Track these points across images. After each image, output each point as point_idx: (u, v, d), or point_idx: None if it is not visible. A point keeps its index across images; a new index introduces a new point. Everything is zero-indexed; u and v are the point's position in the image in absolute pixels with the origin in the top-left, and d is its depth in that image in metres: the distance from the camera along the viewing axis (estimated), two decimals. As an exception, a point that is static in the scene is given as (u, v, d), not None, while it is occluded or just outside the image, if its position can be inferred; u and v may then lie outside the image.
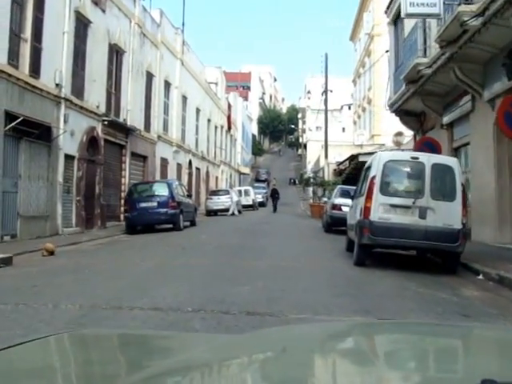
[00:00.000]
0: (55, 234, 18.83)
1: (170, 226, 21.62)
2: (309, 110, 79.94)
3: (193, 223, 24.21)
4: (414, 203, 10.66)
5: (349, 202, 20.53)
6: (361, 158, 30.34)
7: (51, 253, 13.83)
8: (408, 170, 11.12)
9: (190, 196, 25.07)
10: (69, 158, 20.15)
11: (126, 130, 25.39)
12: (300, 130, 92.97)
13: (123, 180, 25.44)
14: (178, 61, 34.00)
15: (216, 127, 47.58)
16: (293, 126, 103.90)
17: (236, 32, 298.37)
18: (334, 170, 35.41)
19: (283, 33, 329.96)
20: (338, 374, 1.49)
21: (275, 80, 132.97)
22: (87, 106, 21.35)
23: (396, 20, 22.46)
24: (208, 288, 8.23)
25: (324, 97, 39.55)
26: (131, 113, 25.97)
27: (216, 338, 2.19)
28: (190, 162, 38.06)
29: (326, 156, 36.89)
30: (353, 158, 30.77)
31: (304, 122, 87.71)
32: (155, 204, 21.08)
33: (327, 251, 14.53)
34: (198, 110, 40.23)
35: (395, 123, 43.66)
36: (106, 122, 22.85)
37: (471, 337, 2.00)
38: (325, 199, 24.10)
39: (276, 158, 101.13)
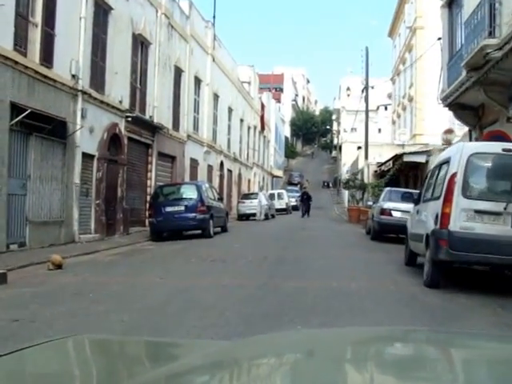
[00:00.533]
0: (71, 241, 16.79)
1: (199, 232, 19.50)
2: (344, 111, 77.31)
3: (224, 229, 22.02)
4: (505, 209, 8.26)
5: (400, 206, 18.16)
6: (406, 158, 27.81)
7: (58, 266, 11.74)
8: (498, 165, 8.68)
9: (221, 199, 22.85)
10: (87, 157, 18.12)
11: (153, 128, 23.33)
12: (334, 132, 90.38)
13: (149, 182, 23.37)
14: (208, 56, 31.89)
15: (249, 128, 45.43)
16: (328, 127, 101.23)
17: (267, 33, 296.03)
18: (375, 171, 32.91)
19: (315, 34, 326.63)
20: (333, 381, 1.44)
21: (308, 82, 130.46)
22: (108, 100, 19.32)
23: (451, 2, 19.97)
24: (247, 330, 5.90)
25: (364, 93, 36.97)
26: (158, 110, 23.91)
27: (213, 344, 2.19)
28: (222, 164, 35.93)
29: (367, 157, 34.39)
30: (397, 158, 28.24)
31: (339, 124, 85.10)
32: (183, 208, 18.95)
33: (383, 265, 12.13)
34: (230, 110, 38.10)
35: (439, 122, 41.01)
36: (129, 119, 20.80)
37: (461, 343, 1.95)
38: (370, 203, 21.63)
39: (309, 161, 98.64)
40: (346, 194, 57.56)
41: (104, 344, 2.11)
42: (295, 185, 70.71)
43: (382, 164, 31.93)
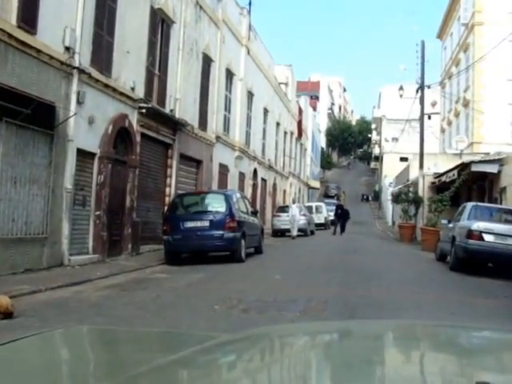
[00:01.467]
0: (58, 264, 12.68)
1: (227, 253, 15.26)
2: (384, 120, 72.55)
3: (258, 250, 17.76)
4: None
5: (494, 227, 13.70)
6: (474, 168, 23.16)
7: (6, 314, 7.59)
8: None
9: (255, 213, 18.48)
10: (85, 155, 14.03)
11: (174, 125, 19.22)
12: (373, 142, 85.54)
13: (168, 190, 19.21)
14: (243, 47, 27.76)
15: (285, 133, 41.17)
16: (369, 136, 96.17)
17: (304, 38, 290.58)
18: (433, 183, 28.33)
19: (352, 42, 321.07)
20: (335, 374, 1.46)
21: (345, 90, 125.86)
22: (116, 85, 15.24)
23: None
24: None
25: (419, 93, 32.44)
26: (181, 103, 19.81)
27: (211, 337, 2.05)
28: (255, 172, 31.69)
29: (422, 166, 29.83)
30: (463, 167, 23.62)
31: (378, 133, 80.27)
32: (207, 224, 14.72)
33: (500, 317, 7.65)
34: (265, 111, 33.88)
35: (500, 129, 36.20)
36: (143, 110, 16.71)
37: (465, 338, 1.96)
38: (444, 221, 17.05)
39: (345, 173, 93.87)
40: (389, 208, 52.86)
41: (103, 334, 2.12)
42: (332, 197, 66.13)
43: (442, 175, 27.29)
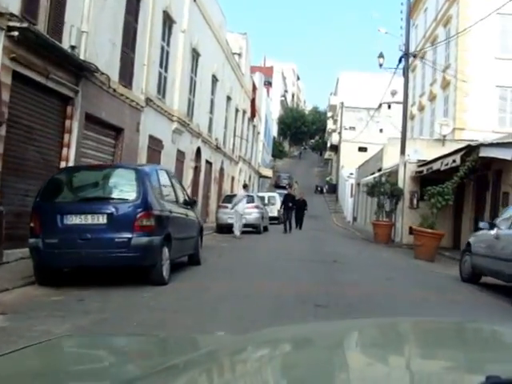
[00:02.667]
0: None
1: (140, 269, 9.05)
2: (343, 108, 67.13)
3: (194, 259, 11.63)
4: None
5: None
6: (484, 153, 17.68)
7: None
8: None
9: (192, 204, 12.18)
10: None
11: (77, 69, 12.82)
12: (329, 130, 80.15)
13: (64, 165, 12.77)
14: (187, -10, 21.46)
15: (237, 110, 34.98)
16: (323, 126, 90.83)
17: (257, 25, 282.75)
18: (419, 172, 22.77)
19: (307, 31, 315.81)
20: (344, 373, 1.44)
21: (298, 79, 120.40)
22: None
23: None
24: None
25: (403, 63, 26.79)
26: (90, 40, 13.41)
27: (216, 338, 2.21)
28: (199, 152, 25.45)
29: (403, 151, 24.23)
30: (467, 152, 18.01)
31: (335, 122, 74.92)
32: (103, 220, 8.41)
33: None
34: (214, 79, 27.61)
35: (487, 113, 31.04)
36: (17, 34, 10.27)
37: (475, 333, 1.95)
38: (483, 224, 11.17)
39: (297, 163, 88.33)
40: (348, 202, 47.46)
41: (99, 341, 2.10)
42: (284, 187, 60.37)
43: (431, 162, 21.72)
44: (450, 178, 21.92)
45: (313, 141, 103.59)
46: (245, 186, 23.31)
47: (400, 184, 24.03)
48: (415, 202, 23.95)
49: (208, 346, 1.80)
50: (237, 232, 20.84)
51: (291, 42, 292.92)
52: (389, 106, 72.94)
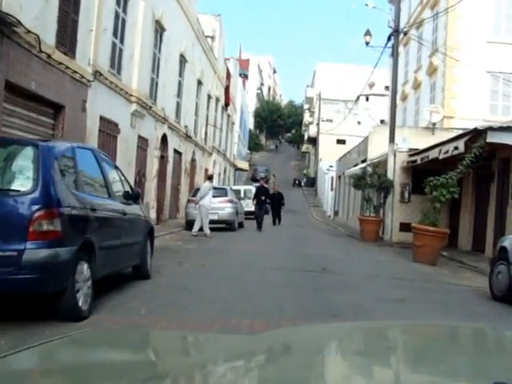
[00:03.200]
0: None
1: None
2: (320, 100, 64.29)
3: (140, 272, 8.57)
4: None
5: None
6: (492, 138, 14.90)
7: None
8: None
9: (135, 198, 8.60)
10: None
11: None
12: (306, 123, 77.21)
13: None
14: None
15: (210, 97, 31.83)
16: (300, 119, 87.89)
17: (234, 18, 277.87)
18: (413, 161, 19.93)
19: (283, 25, 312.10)
20: (344, 376, 1.44)
21: (275, 72, 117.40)
22: None
23: None
24: None
25: (392, 41, 23.98)
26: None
27: (226, 338, 2.14)
28: (165, 139, 22.31)
29: (393, 139, 21.40)
30: (473, 137, 15.19)
31: (312, 114, 72.11)
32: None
33: None
34: (183, 59, 24.46)
35: (478, 100, 28.41)
36: None
37: (481, 338, 1.91)
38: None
39: (273, 156, 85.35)
40: (328, 195, 44.67)
41: (121, 337, 2.08)
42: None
43: (427, 150, 18.92)
44: (446, 168, 19.26)
45: (289, 134, 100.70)
46: (210, 178, 20.13)
47: (389, 175, 21.22)
48: (406, 195, 21.16)
49: (224, 345, 1.76)
50: (207, 230, 17.84)
51: (267, 36, 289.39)
52: (367, 98, 70.49)
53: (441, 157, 17.28)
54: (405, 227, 21.17)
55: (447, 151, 16.81)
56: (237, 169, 45.20)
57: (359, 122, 65.04)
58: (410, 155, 20.86)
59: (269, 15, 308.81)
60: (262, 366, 1.53)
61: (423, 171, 20.72)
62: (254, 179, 59.32)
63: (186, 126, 25.71)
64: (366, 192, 21.63)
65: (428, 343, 1.82)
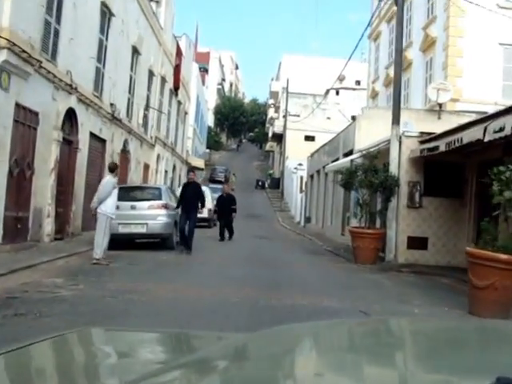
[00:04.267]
0: None
1: None
2: (287, 91, 57.83)
3: None
4: None
5: None
6: None
7: None
8: None
9: None
10: None
11: None
12: (270, 118, 70.65)
13: None
14: None
15: (152, 74, 24.94)
16: (263, 118, 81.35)
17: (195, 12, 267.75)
18: (429, 150, 13.61)
19: (246, 20, 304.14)
20: (346, 373, 1.38)
21: (237, 68, 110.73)
22: None
23: None
24: None
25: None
26: None
27: (226, 336, 2.07)
28: (72, 116, 15.36)
29: (398, 121, 14.96)
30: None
31: (277, 109, 65.62)
32: None
33: None
34: (106, 10, 17.53)
35: (487, 82, 22.29)
36: None
37: (483, 332, 1.88)
38: None
39: (234, 156, 78.62)
40: (296, 198, 38.23)
41: (116, 336, 2.08)
42: (220, 182, 50.73)
43: (455, 131, 12.52)
44: (469, 160, 13.10)
45: (252, 134, 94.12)
46: (112, 169, 12.97)
47: (392, 170, 14.81)
48: (417, 198, 14.78)
49: (225, 343, 1.75)
50: (97, 251, 11.11)
51: (229, 31, 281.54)
52: (337, 93, 64.63)
53: (487, 139, 10.85)
54: (415, 243, 14.85)
55: (501, 128, 10.37)
56: (191, 167, 38.36)
57: (329, 118, 58.97)
58: (423, 141, 14.47)
59: (232, 10, 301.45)
60: (255, 366, 1.44)
61: (440, 165, 14.48)
62: (212, 180, 52.62)
63: (112, 105, 18.84)
64: (361, 194, 15.14)
65: (429, 338, 1.78)
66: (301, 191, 36.88)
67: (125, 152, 20.91)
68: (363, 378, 1.34)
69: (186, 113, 35.93)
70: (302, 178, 37.17)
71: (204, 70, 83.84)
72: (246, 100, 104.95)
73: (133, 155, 21.98)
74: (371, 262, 14.38)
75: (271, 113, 70.22)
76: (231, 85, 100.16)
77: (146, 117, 24.33)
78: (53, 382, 1.47)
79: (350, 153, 19.60)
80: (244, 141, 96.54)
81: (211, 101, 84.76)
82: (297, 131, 53.06)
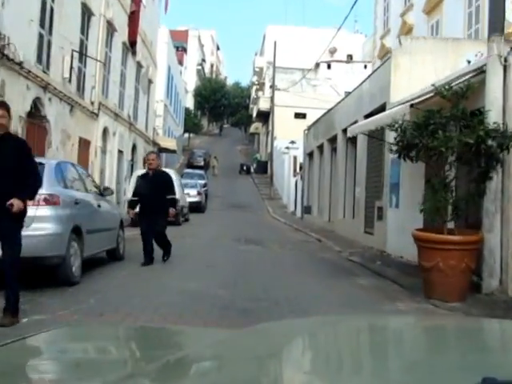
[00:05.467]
0: None
1: None
2: (274, 64, 50.31)
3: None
4: None
5: None
6: None
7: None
8: None
9: None
10: None
11: None
12: (254, 97, 62.94)
13: None
14: None
15: (91, 14, 17.40)
16: (247, 102, 73.73)
17: None
18: None
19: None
20: (339, 369, 1.38)
21: (218, 48, 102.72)
22: None
23: None
24: None
25: None
26: None
27: (218, 332, 2.07)
28: None
29: (500, 29, 8.08)
30: None
31: (261, 86, 58.01)
32: None
33: None
34: None
35: None
36: None
37: (470, 331, 1.80)
38: None
39: (217, 140, 71.00)
40: (290, 183, 31.04)
41: (101, 331, 2.03)
42: (199, 168, 43.30)
43: None
44: None
45: (233, 119, 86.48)
46: None
47: (493, 119, 7.65)
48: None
49: (207, 340, 1.67)
50: None
51: (209, 8, 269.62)
52: (328, 66, 57.34)
53: None
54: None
55: None
56: (161, 149, 30.96)
57: (320, 94, 51.71)
58: None
59: None
60: (250, 362, 1.38)
61: None
62: (190, 165, 45.29)
63: (8, 42, 11.44)
64: (438, 165, 7.93)
65: (415, 337, 1.75)
66: (294, 174, 29.65)
67: (36, 117, 13.48)
68: (348, 377, 1.30)
69: (150, 81, 28.41)
70: (295, 158, 29.95)
71: (182, 50, 76.15)
72: (229, 83, 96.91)
73: (54, 124, 14.53)
74: (458, 297, 7.28)
75: (255, 92, 62.75)
76: (212, 66, 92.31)
77: (80, 72, 16.88)
78: (34, 380, 1.42)
79: (382, 109, 12.37)
80: (226, 126, 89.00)
81: (191, 83, 77.17)
82: (285, 108, 45.83)
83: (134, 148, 24.97)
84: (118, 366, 1.48)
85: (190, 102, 73.62)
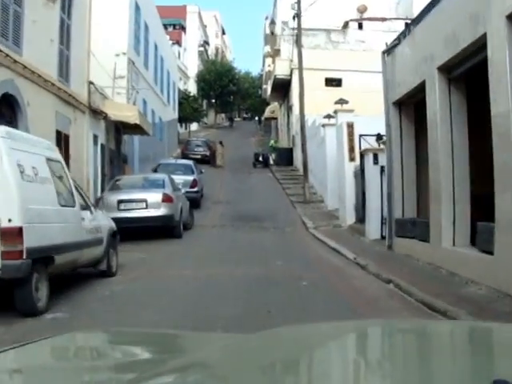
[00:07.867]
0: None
1: None
2: (298, 17, 36.60)
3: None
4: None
5: None
6: None
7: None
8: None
9: None
10: None
11: None
12: (268, 71, 49.20)
13: None
14: None
15: None
16: (259, 92, 59.95)
17: None
18: None
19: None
20: (348, 375, 1.33)
21: (224, 33, 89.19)
22: None
23: None
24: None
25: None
26: None
27: (227, 337, 2.02)
28: None
29: None
30: None
31: (276, 53, 44.10)
32: None
33: None
34: None
35: None
36: None
37: (480, 335, 1.75)
38: None
39: (227, 133, 56.81)
40: (345, 176, 17.45)
41: (110, 337, 1.99)
42: (197, 160, 29.75)
43: None
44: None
45: (246, 105, 72.97)
46: None
47: None
48: None
49: (216, 344, 1.64)
50: None
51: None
52: (360, 26, 43.65)
53: None
54: None
55: None
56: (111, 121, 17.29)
57: (353, 55, 38.46)
58: None
59: None
60: (255, 366, 1.35)
61: None
62: (186, 157, 31.92)
63: None
64: None
65: (424, 340, 1.70)
66: (350, 159, 15.98)
67: None
68: (357, 381, 1.27)
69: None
70: (351, 127, 16.33)
71: (180, 28, 62.92)
72: (237, 69, 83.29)
73: None
74: None
75: (268, 62, 49.03)
76: (217, 50, 78.86)
77: None
78: None
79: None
80: (238, 119, 75.57)
81: (192, 67, 64.02)
82: (313, 72, 31.97)
83: (26, 103, 11.45)
84: (121, 372, 1.45)
85: (192, 87, 60.71)
